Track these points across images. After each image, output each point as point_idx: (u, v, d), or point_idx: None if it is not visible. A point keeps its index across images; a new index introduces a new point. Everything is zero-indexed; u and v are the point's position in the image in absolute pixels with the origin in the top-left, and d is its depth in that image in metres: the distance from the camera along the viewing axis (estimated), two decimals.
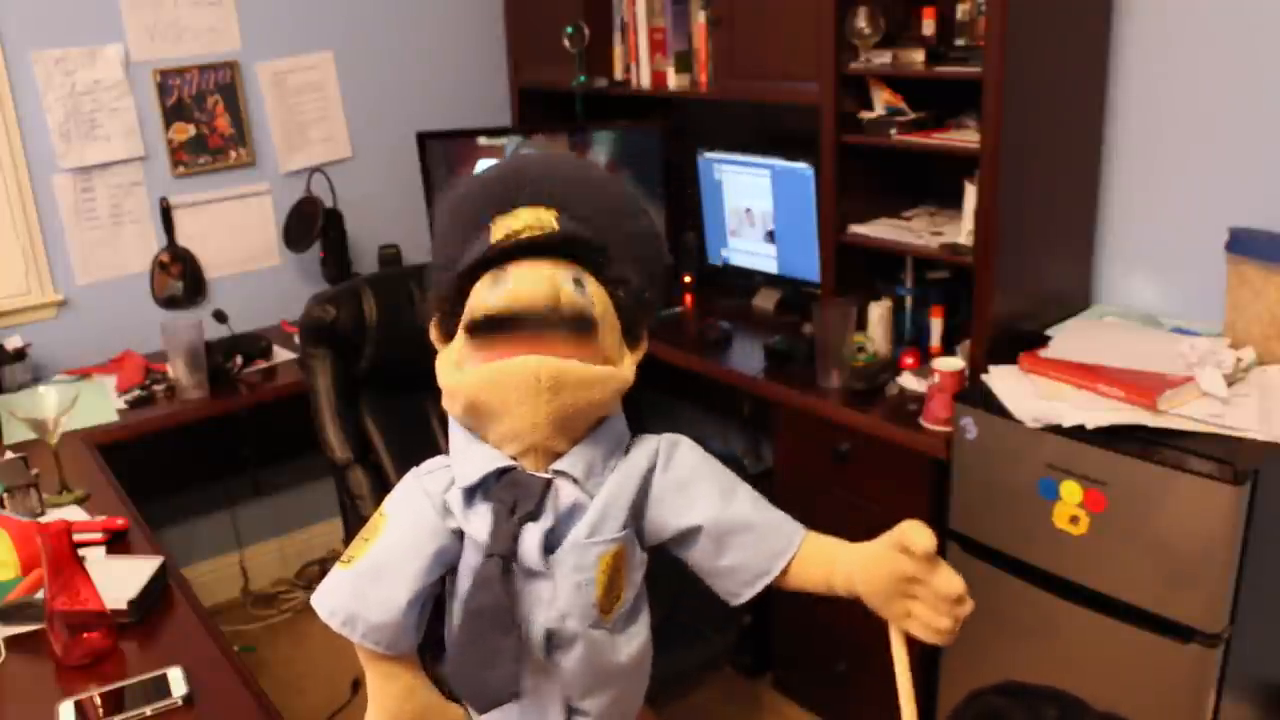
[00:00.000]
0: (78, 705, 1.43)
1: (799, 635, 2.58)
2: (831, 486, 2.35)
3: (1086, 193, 2.33)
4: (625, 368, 1.15)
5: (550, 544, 1.12)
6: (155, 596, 1.71)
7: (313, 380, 2.17)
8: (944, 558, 1.05)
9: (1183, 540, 1.75)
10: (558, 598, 1.13)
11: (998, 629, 2.04)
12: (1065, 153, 2.26)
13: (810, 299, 2.59)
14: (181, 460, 2.98)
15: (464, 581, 1.15)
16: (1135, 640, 1.85)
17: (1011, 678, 0.91)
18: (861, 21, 2.28)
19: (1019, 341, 2.14)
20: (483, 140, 3.16)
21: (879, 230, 2.42)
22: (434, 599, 1.19)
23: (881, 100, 2.34)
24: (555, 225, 1.10)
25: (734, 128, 3.11)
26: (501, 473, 1.11)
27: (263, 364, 2.88)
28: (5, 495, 2.00)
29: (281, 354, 2.94)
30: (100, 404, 2.65)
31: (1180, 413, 1.82)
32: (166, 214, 3.03)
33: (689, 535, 1.18)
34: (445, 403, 1.15)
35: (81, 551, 1.60)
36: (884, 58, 2.29)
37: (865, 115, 2.36)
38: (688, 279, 3.08)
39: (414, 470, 1.19)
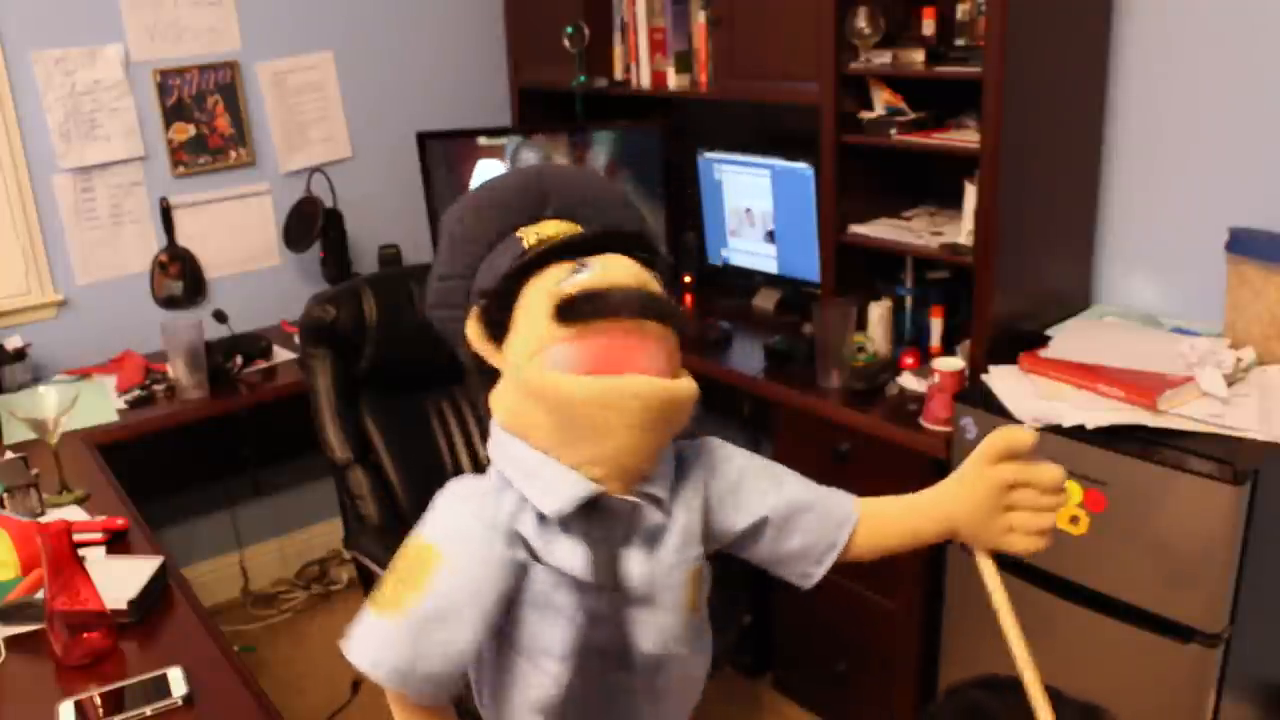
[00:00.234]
0: (78, 705, 1.43)
1: (799, 635, 2.58)
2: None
3: (1086, 193, 2.33)
4: (689, 380, 1.07)
5: (644, 568, 1.09)
6: (155, 596, 1.71)
7: (313, 380, 2.17)
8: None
9: (1183, 540, 1.75)
10: (660, 622, 1.10)
11: (998, 629, 2.03)
12: (1065, 153, 2.26)
13: (810, 299, 2.59)
14: (181, 460, 2.98)
15: (531, 615, 1.07)
16: (1135, 640, 1.85)
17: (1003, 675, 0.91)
18: (861, 21, 2.28)
19: (1019, 341, 2.13)
20: (483, 140, 3.16)
21: (879, 230, 2.42)
22: None
23: (881, 100, 2.34)
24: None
25: (734, 128, 3.11)
26: (589, 499, 1.03)
27: (263, 364, 2.88)
28: (5, 495, 2.00)
29: (281, 354, 2.94)
30: (100, 404, 2.65)
31: (1180, 413, 1.82)
32: (166, 214, 3.03)
33: (755, 530, 1.18)
34: (519, 403, 1.04)
35: (81, 551, 1.60)
36: (884, 58, 2.29)
37: (865, 115, 2.36)
38: (688, 279, 3.08)
39: (449, 495, 1.09)
